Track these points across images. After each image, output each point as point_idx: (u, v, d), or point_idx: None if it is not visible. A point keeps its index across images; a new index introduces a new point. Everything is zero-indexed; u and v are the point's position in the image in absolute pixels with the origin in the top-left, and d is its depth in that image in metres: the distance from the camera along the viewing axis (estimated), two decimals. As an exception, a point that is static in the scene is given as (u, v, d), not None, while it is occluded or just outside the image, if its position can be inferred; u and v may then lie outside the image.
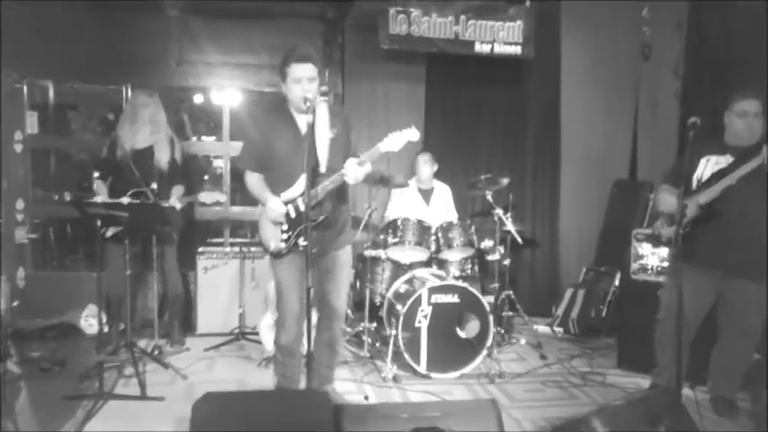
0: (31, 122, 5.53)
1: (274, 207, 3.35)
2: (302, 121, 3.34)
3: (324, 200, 3.33)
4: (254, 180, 3.47)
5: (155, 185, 4.48)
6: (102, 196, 4.44)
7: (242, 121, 5.72)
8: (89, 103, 7.02)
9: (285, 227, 3.38)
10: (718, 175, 3.46)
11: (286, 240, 3.38)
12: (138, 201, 4.24)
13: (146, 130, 4.55)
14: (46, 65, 5.40)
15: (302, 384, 3.47)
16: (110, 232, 4.30)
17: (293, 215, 3.37)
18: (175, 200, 4.55)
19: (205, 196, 4.65)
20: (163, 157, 4.58)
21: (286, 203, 3.36)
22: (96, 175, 4.56)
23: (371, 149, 3.27)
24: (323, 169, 3.34)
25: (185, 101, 7.10)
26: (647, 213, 5.61)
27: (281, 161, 3.37)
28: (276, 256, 3.43)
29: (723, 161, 3.53)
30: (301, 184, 3.28)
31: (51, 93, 6.21)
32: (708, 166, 3.57)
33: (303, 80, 3.22)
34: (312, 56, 3.25)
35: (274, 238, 3.41)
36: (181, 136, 4.93)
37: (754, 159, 3.31)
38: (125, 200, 4.24)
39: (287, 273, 3.44)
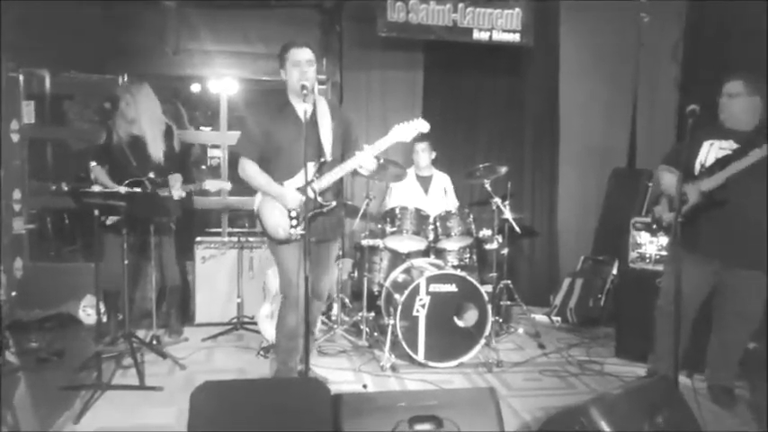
0: (28, 112, 5.49)
1: (293, 197, 3.40)
2: (302, 111, 3.35)
3: (328, 188, 3.45)
4: (252, 169, 3.49)
5: (152, 175, 4.47)
6: (101, 181, 4.42)
7: (242, 110, 5.71)
8: (85, 93, 6.98)
9: (294, 214, 3.44)
10: (722, 163, 3.44)
11: (296, 227, 3.43)
12: (135, 190, 4.23)
13: (137, 121, 4.50)
14: (42, 54, 5.36)
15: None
16: (110, 220, 4.28)
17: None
18: (179, 188, 4.53)
19: (210, 183, 4.64)
20: (156, 148, 4.54)
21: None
22: (94, 163, 4.52)
23: (382, 140, 3.35)
24: (328, 158, 3.44)
25: (182, 90, 7.07)
26: (645, 202, 5.61)
27: (282, 149, 3.43)
28: (286, 242, 3.47)
29: (727, 146, 3.51)
30: (308, 171, 3.30)
31: (48, 82, 6.18)
32: (711, 150, 3.55)
33: (302, 63, 3.34)
34: (310, 43, 3.39)
35: (282, 225, 3.45)
36: (178, 125, 4.90)
37: (760, 150, 3.29)
38: (123, 189, 4.23)
39: (293, 258, 3.49)
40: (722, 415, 3.58)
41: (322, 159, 3.44)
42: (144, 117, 4.51)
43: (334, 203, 3.49)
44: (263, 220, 3.52)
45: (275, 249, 3.56)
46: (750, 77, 3.50)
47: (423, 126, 3.35)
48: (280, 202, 3.44)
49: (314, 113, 3.45)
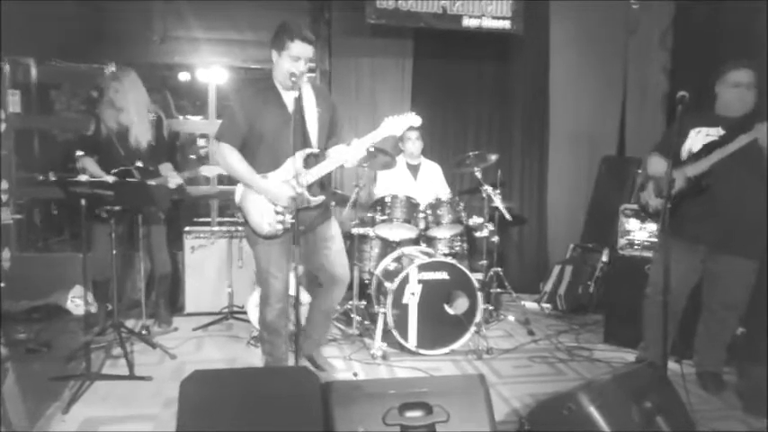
0: (14, 102, 5.42)
1: (281, 192, 3.26)
2: (289, 99, 3.30)
3: (317, 181, 3.33)
4: (234, 157, 3.30)
5: (140, 164, 4.43)
6: (90, 171, 4.37)
7: (227, 97, 5.65)
8: (73, 82, 6.91)
9: (279, 208, 3.30)
10: (709, 149, 3.44)
11: (282, 222, 3.30)
12: (123, 179, 4.20)
13: (125, 110, 4.45)
14: (27, 42, 5.29)
15: (290, 361, 3.48)
16: (105, 213, 4.24)
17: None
18: (175, 176, 4.50)
19: (207, 169, 4.61)
20: (143, 136, 4.49)
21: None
22: (80, 153, 4.48)
23: (372, 133, 3.26)
24: (315, 149, 3.33)
25: (170, 78, 7.01)
26: (634, 189, 5.62)
27: (266, 139, 3.30)
28: (269, 237, 3.34)
29: (714, 133, 3.51)
30: (295, 163, 3.23)
31: (33, 71, 6.11)
32: (698, 137, 3.55)
33: (301, 60, 3.21)
34: (314, 39, 3.28)
35: (268, 222, 3.30)
36: (166, 114, 4.86)
37: (746, 135, 3.28)
38: (110, 178, 4.20)
39: (273, 253, 3.39)
40: (710, 400, 3.62)
41: (309, 151, 3.31)
42: (132, 105, 4.45)
43: (322, 198, 3.35)
44: (247, 213, 3.37)
45: (255, 243, 3.42)
46: (754, 66, 3.48)
47: (415, 120, 3.28)
48: (267, 198, 3.29)
49: (299, 101, 3.27)
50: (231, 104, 3.40)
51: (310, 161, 3.30)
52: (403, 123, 3.26)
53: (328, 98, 3.55)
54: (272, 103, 3.32)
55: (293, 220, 3.11)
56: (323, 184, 3.48)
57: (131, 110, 4.45)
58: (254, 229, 3.36)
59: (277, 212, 3.30)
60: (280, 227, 3.30)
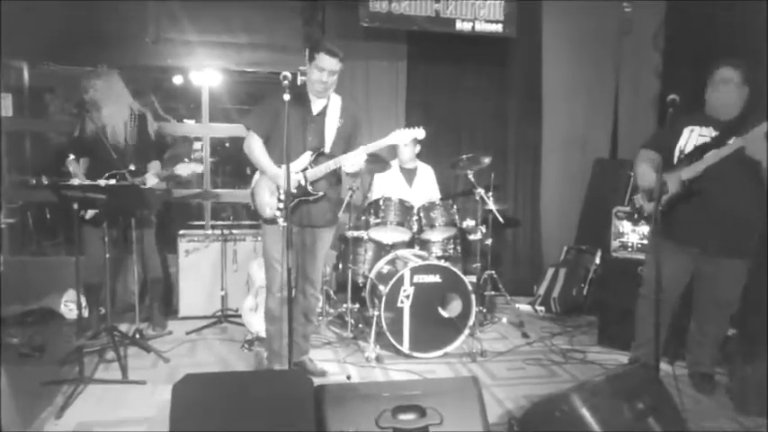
0: (6, 105, 5.40)
1: (276, 173, 3.53)
2: (316, 105, 3.66)
3: (322, 178, 3.61)
4: (258, 146, 3.63)
5: (132, 167, 4.43)
6: (78, 177, 4.36)
7: (220, 99, 5.64)
8: (67, 86, 6.88)
9: (282, 196, 3.57)
10: (701, 151, 3.45)
11: (282, 209, 3.58)
12: (115, 183, 4.19)
13: (105, 107, 4.45)
14: (18, 45, 5.25)
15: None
16: (88, 214, 4.24)
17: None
18: (152, 176, 4.50)
19: (181, 168, 4.63)
20: (121, 135, 4.48)
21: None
22: (71, 157, 4.47)
23: (379, 141, 3.56)
24: (327, 150, 3.63)
25: (164, 81, 6.99)
26: (627, 192, 5.64)
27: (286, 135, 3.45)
28: (270, 222, 3.62)
29: (707, 132, 3.52)
30: (304, 160, 3.58)
31: (26, 74, 6.08)
32: (691, 136, 3.56)
33: (325, 70, 3.51)
34: (339, 54, 3.53)
35: (270, 205, 3.61)
36: (154, 116, 4.85)
37: (740, 139, 3.29)
38: (102, 182, 4.18)
39: (275, 240, 3.61)
40: (702, 401, 3.63)
41: (321, 150, 3.61)
42: (111, 103, 4.46)
43: (321, 193, 3.62)
44: (255, 196, 3.68)
45: (263, 229, 3.71)
46: (743, 65, 3.49)
47: (420, 134, 3.62)
48: (275, 183, 3.58)
49: (325, 108, 3.65)
50: (264, 98, 3.77)
51: (320, 160, 3.59)
52: (409, 135, 3.58)
53: (355, 115, 3.83)
54: (299, 104, 3.57)
55: (284, 224, 3.29)
56: (331, 184, 3.73)
57: (111, 107, 4.46)
58: (258, 210, 3.68)
59: (280, 200, 3.59)
60: (278, 212, 3.59)
